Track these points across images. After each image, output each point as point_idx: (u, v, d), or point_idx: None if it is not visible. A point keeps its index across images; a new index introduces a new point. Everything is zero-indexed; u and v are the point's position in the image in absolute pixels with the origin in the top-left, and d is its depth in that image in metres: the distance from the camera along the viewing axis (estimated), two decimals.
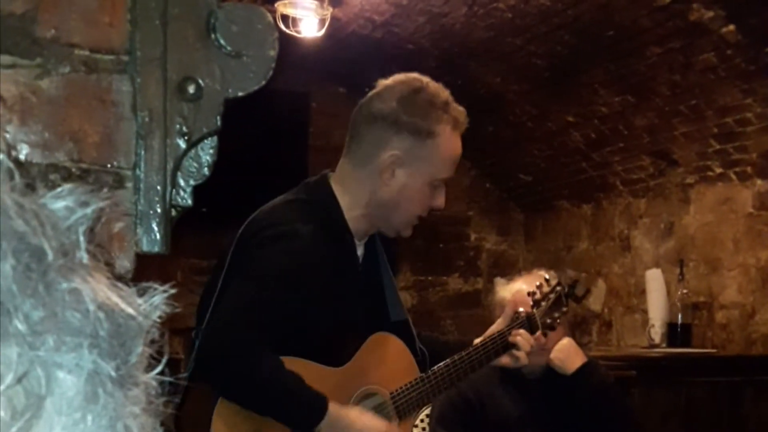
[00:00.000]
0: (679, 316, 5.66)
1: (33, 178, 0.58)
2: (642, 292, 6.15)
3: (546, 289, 3.12)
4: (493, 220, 7.96)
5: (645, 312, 5.96)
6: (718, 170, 5.71)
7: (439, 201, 2.75)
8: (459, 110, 2.70)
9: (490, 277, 7.70)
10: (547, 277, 3.21)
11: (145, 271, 1.56)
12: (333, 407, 2.53)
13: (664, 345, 5.60)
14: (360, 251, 2.76)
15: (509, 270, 7.35)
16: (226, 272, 2.55)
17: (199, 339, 2.52)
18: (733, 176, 5.64)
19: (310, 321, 2.58)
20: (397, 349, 2.82)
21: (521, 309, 3.01)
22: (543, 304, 3.08)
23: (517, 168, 7.41)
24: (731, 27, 4.82)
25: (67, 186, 0.59)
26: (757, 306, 5.55)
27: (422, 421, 3.78)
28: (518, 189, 7.70)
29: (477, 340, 2.91)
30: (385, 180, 2.63)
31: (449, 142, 2.67)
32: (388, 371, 2.79)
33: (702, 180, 5.87)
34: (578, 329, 6.61)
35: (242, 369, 2.46)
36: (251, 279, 2.53)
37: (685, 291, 5.72)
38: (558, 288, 3.16)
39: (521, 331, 2.92)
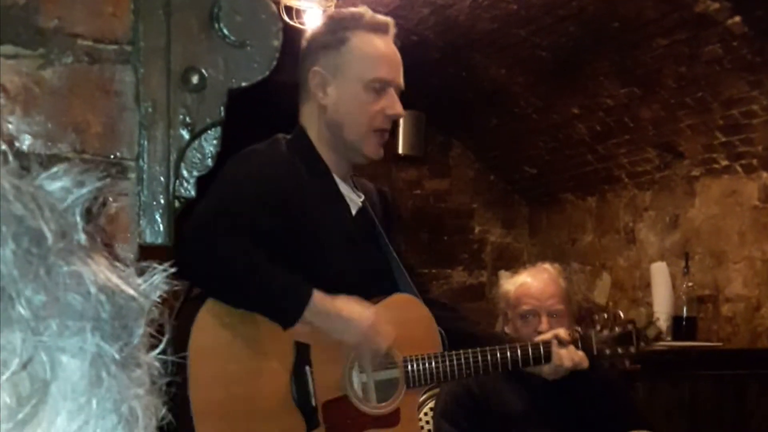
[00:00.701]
0: (684, 309, 5.65)
1: (27, 159, 0.57)
2: (647, 285, 6.13)
3: (614, 320, 3.11)
4: (498, 213, 7.95)
5: (650, 305, 5.95)
6: (724, 163, 5.69)
7: (391, 107, 2.69)
8: (377, 16, 2.72)
9: (495, 269, 7.70)
10: (621, 313, 3.27)
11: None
12: (319, 294, 2.48)
13: (669, 338, 5.58)
14: (346, 191, 2.74)
15: (514, 263, 7.35)
16: None
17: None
18: (739, 169, 5.62)
19: (305, 250, 2.56)
20: (422, 316, 2.77)
21: (578, 328, 3.03)
22: (605, 332, 3.05)
23: (522, 160, 7.40)
24: (737, 18, 4.80)
25: (62, 166, 0.58)
26: (763, 299, 5.53)
27: (426, 414, 3.77)
28: (523, 181, 7.69)
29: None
30: (321, 101, 2.68)
31: (367, 42, 2.68)
32: (407, 335, 2.71)
33: (707, 172, 5.86)
34: (583, 322, 6.59)
35: (218, 250, 2.40)
36: (218, 185, 2.49)
37: (690, 284, 5.71)
38: (629, 326, 3.12)
39: (567, 350, 2.91)
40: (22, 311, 0.52)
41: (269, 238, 2.49)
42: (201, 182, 1.68)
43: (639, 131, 6.07)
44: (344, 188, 2.74)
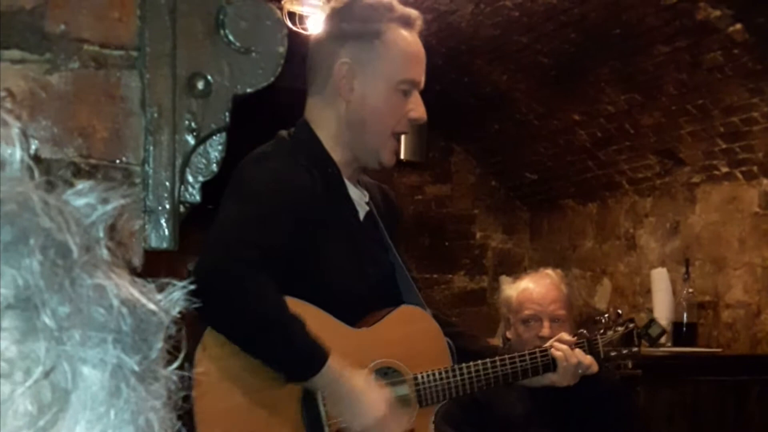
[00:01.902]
0: (685, 315, 5.65)
1: (53, 174, 0.58)
2: (647, 291, 6.14)
3: (616, 320, 3.03)
4: (499, 218, 7.96)
5: (650, 311, 5.95)
6: (725, 169, 5.70)
7: (416, 110, 2.53)
8: (407, 9, 2.53)
9: (496, 275, 7.70)
10: (620, 311, 3.16)
11: (153, 267, 1.56)
12: (335, 362, 2.31)
13: (669, 344, 5.59)
14: (355, 195, 2.58)
15: (515, 268, 7.35)
16: None
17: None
18: (740, 175, 5.63)
19: (314, 262, 2.42)
20: (431, 330, 2.61)
21: (583, 330, 2.96)
22: (609, 333, 2.97)
23: (523, 166, 7.40)
24: (738, 26, 4.81)
25: (87, 183, 0.59)
26: (763, 305, 5.54)
27: None
28: (524, 187, 7.69)
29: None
30: (345, 95, 2.48)
31: (400, 39, 2.49)
32: (415, 350, 2.57)
33: (708, 179, 5.86)
34: (585, 326, 6.59)
35: (233, 290, 2.24)
36: (235, 199, 2.38)
37: (690, 290, 5.71)
38: (631, 325, 3.05)
39: (563, 346, 2.78)
40: (47, 321, 0.53)
41: (283, 252, 2.36)
42: (206, 187, 1.69)
43: (640, 138, 6.07)
44: (353, 191, 2.57)
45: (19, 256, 0.53)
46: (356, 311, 2.50)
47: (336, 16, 2.53)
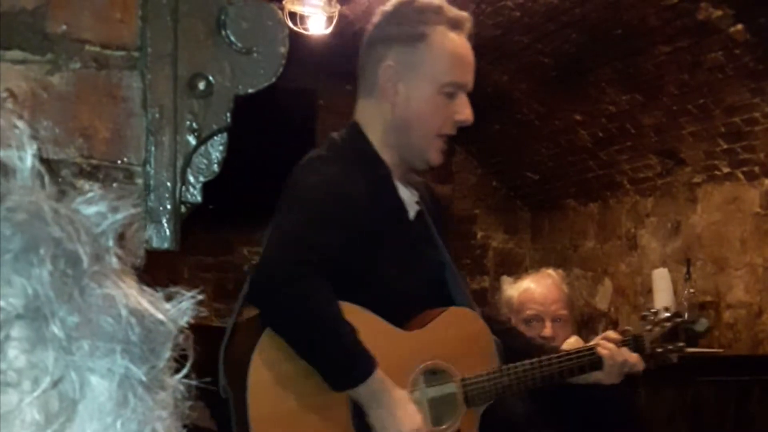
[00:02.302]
0: (686, 315, 5.64)
1: (56, 175, 0.58)
2: (649, 291, 6.14)
3: (663, 315, 2.93)
4: (500, 219, 7.96)
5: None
6: (726, 170, 5.70)
7: (462, 112, 2.52)
8: (456, 12, 2.54)
9: (497, 275, 7.69)
10: (667, 305, 3.15)
11: (153, 268, 1.56)
12: (381, 374, 2.34)
13: (669, 345, 5.58)
14: (405, 195, 2.59)
15: (516, 268, 7.35)
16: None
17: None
18: (741, 176, 5.63)
19: (366, 265, 2.44)
20: (480, 331, 2.62)
21: (629, 328, 2.89)
22: (656, 329, 2.88)
23: (524, 166, 7.40)
24: (739, 26, 4.81)
25: (98, 192, 0.59)
26: (764, 305, 5.54)
27: None
28: (525, 187, 7.69)
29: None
30: (390, 98, 2.50)
31: (446, 41, 2.50)
32: (464, 352, 2.58)
33: (709, 179, 5.87)
34: (585, 328, 6.60)
35: (291, 292, 2.29)
36: (294, 204, 2.42)
37: (691, 290, 5.70)
38: (678, 319, 2.96)
39: (610, 345, 2.73)
40: (56, 331, 0.53)
41: (337, 256, 2.38)
42: (207, 188, 1.69)
43: (641, 138, 6.08)
44: (403, 192, 2.58)
45: (29, 265, 0.53)
46: (408, 312, 2.53)
47: (384, 19, 2.56)
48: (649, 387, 4.88)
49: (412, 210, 2.60)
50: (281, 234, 2.39)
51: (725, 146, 5.57)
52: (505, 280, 6.83)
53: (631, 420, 3.61)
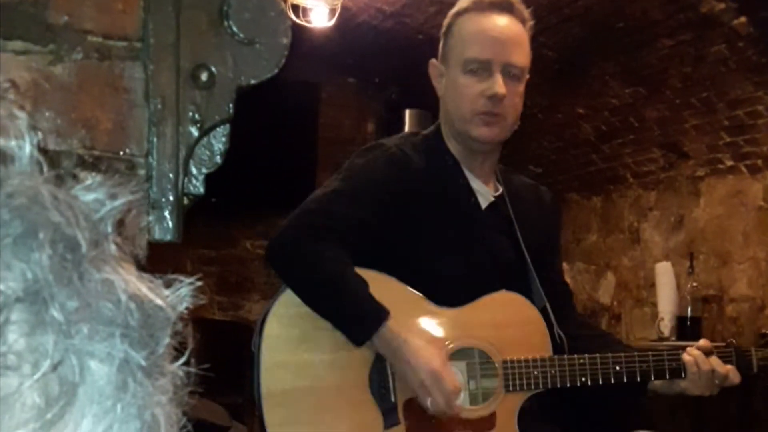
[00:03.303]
0: (689, 309, 5.64)
1: (58, 167, 0.59)
2: (651, 285, 6.14)
3: None
4: None
5: (654, 305, 5.95)
6: (729, 163, 5.69)
7: (490, 87, 2.51)
8: None
9: None
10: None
11: (156, 261, 1.55)
12: (394, 324, 2.36)
13: (673, 338, 5.58)
14: (477, 185, 2.62)
15: None
16: None
17: None
18: (744, 169, 5.62)
19: (414, 241, 2.49)
20: (531, 318, 2.57)
21: (732, 340, 2.75)
22: None
23: (527, 160, 7.39)
24: (743, 19, 4.80)
25: (97, 178, 0.60)
26: (767, 300, 5.53)
27: None
28: None
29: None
30: (439, 92, 2.63)
31: (469, 23, 2.57)
32: (509, 335, 2.53)
33: (712, 173, 5.86)
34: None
35: (304, 251, 2.37)
36: (339, 174, 2.52)
37: (694, 284, 5.71)
38: None
39: (696, 352, 2.58)
40: (56, 315, 0.53)
41: (373, 233, 2.45)
42: (209, 181, 1.69)
43: (644, 131, 6.06)
44: (474, 182, 2.61)
45: (28, 249, 0.53)
46: (460, 294, 2.52)
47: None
48: None
49: (485, 200, 2.62)
50: (306, 202, 2.47)
51: (728, 139, 5.56)
52: None
53: (632, 414, 3.61)
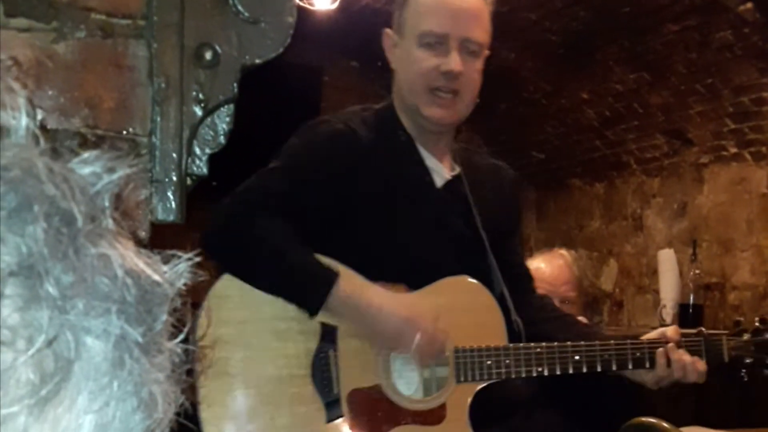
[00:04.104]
0: (691, 296, 5.63)
1: (59, 144, 0.58)
2: (654, 272, 6.12)
3: (764, 324, 2.60)
4: None
5: (657, 292, 5.94)
6: (733, 150, 5.67)
7: (446, 62, 2.38)
8: None
9: None
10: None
11: (156, 243, 1.54)
12: (347, 283, 2.22)
13: (675, 326, 5.57)
14: (433, 163, 2.50)
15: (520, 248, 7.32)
16: None
17: None
18: (748, 156, 5.60)
19: (369, 224, 2.36)
20: (486, 304, 2.43)
21: (702, 328, 2.60)
22: (746, 335, 2.57)
23: (530, 145, 7.37)
24: (749, 5, 4.77)
25: (93, 152, 0.59)
26: None
27: None
28: (531, 166, 7.66)
29: None
30: (392, 64, 2.51)
31: None
32: (462, 322, 2.38)
33: (716, 160, 5.84)
34: (589, 309, 6.59)
35: (240, 228, 2.22)
36: (278, 156, 2.39)
37: (697, 271, 5.69)
38: None
39: (670, 345, 2.45)
40: (51, 290, 0.52)
41: (321, 214, 2.32)
42: (211, 164, 1.67)
43: (648, 117, 6.04)
44: (429, 160, 2.50)
45: (23, 223, 0.52)
46: (415, 278, 2.38)
47: None
48: None
49: (440, 179, 2.50)
50: (244, 183, 2.34)
51: (733, 126, 5.54)
52: None
53: (634, 401, 3.60)
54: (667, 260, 5.85)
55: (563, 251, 3.50)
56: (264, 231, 2.24)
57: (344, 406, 2.31)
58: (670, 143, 6.08)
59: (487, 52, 2.54)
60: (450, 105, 2.43)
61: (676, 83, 5.63)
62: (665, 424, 3.32)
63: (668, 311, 5.69)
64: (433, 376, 2.37)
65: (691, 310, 5.61)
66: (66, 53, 1.53)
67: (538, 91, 6.64)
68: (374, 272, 2.32)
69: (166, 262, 0.60)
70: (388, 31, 2.49)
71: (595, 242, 6.98)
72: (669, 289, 5.74)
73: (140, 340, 0.55)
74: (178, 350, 0.60)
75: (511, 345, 2.40)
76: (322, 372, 2.30)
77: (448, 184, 2.51)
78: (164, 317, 0.58)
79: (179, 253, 0.62)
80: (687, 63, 5.44)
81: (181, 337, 0.61)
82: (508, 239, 2.63)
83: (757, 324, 2.56)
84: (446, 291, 2.40)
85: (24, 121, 0.56)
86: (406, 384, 2.36)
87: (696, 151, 5.95)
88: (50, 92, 1.51)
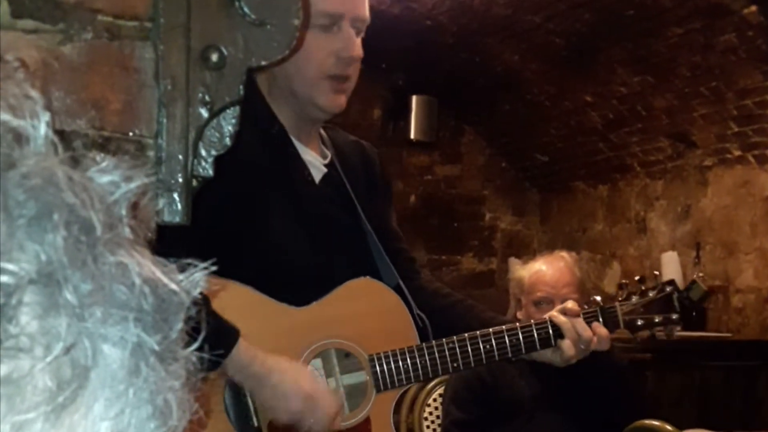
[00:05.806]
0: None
1: (68, 146, 0.58)
2: (657, 275, 6.12)
3: (648, 285, 2.61)
4: (508, 200, 7.94)
5: None
6: (737, 153, 5.67)
7: (345, 48, 2.17)
8: None
9: (505, 257, 7.68)
10: (656, 272, 2.78)
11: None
12: (246, 346, 2.01)
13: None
14: (309, 156, 2.29)
15: (524, 250, 7.34)
16: None
17: None
18: (752, 159, 5.60)
19: (256, 235, 2.15)
20: (390, 304, 2.29)
21: (595, 297, 2.55)
22: (634, 298, 2.56)
23: (534, 147, 7.38)
24: (753, 8, 4.77)
25: (112, 160, 0.59)
26: None
27: (435, 400, 3.77)
28: (534, 169, 7.67)
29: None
30: None
31: None
32: (371, 328, 2.25)
33: (720, 162, 5.84)
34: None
35: None
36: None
37: (701, 274, 5.68)
38: (668, 288, 2.61)
39: (562, 318, 2.37)
40: (69, 297, 0.52)
41: (204, 222, 1.93)
42: (219, 162, 1.67)
43: (652, 120, 6.05)
44: (305, 153, 2.28)
45: (42, 231, 0.52)
46: (310, 287, 2.21)
47: None
48: (657, 371, 4.87)
49: (318, 172, 2.29)
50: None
51: (737, 129, 5.54)
52: (513, 262, 6.82)
53: (637, 403, 3.60)
54: (670, 263, 5.86)
55: (564, 253, 3.50)
56: None
57: None
58: (674, 146, 6.08)
59: None
60: (346, 90, 2.23)
61: (680, 86, 5.63)
62: (668, 427, 3.33)
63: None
64: (353, 390, 2.24)
65: (694, 313, 5.60)
66: (72, 55, 1.53)
67: (542, 93, 6.64)
68: (267, 284, 2.15)
69: (181, 270, 0.61)
70: None
71: (599, 245, 6.99)
72: None
73: (156, 348, 0.56)
74: (193, 358, 0.61)
75: (423, 344, 2.27)
76: (237, 406, 2.13)
77: (326, 177, 2.31)
78: (180, 325, 0.59)
79: (195, 262, 0.62)
80: (691, 66, 5.45)
81: (196, 345, 0.61)
82: (388, 221, 2.46)
83: (641, 287, 2.58)
84: (350, 297, 2.25)
85: (43, 128, 0.56)
86: None
87: (700, 154, 5.95)
88: (56, 94, 1.51)
